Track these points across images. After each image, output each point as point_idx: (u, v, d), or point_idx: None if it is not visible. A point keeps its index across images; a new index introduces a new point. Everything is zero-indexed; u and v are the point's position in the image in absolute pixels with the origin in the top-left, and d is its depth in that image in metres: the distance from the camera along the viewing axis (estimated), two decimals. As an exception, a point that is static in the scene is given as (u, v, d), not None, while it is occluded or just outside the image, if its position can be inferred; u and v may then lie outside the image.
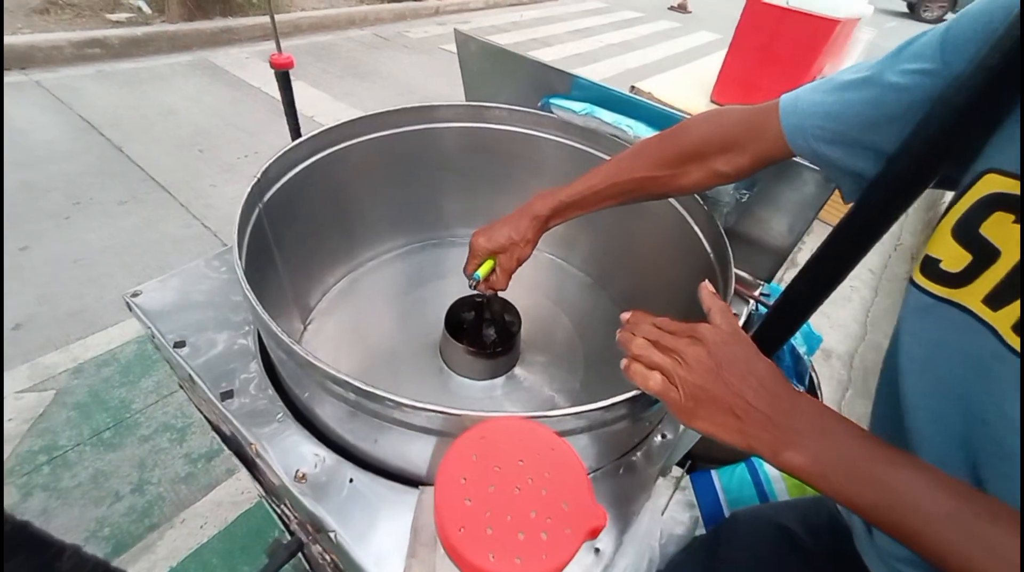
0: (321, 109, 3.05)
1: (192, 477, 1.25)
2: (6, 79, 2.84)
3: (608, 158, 0.69)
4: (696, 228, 0.59)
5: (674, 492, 0.45)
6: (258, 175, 0.51)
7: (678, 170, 0.55)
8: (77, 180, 2.19)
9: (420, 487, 0.42)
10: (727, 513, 0.66)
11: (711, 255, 0.56)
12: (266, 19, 4.23)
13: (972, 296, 0.35)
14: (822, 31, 1.42)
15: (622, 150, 0.68)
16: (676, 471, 0.53)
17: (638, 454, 0.48)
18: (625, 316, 0.43)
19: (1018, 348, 0.31)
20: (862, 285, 2.30)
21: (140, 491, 1.20)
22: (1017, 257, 0.32)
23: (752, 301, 0.70)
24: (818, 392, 0.98)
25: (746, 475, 0.67)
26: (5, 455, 1.21)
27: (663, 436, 0.49)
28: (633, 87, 1.75)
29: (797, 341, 0.94)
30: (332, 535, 0.39)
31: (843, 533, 0.53)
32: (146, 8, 3.96)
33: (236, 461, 1.34)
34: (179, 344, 0.50)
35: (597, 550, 0.40)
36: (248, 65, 3.66)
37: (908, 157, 0.34)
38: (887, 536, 0.46)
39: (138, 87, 3.10)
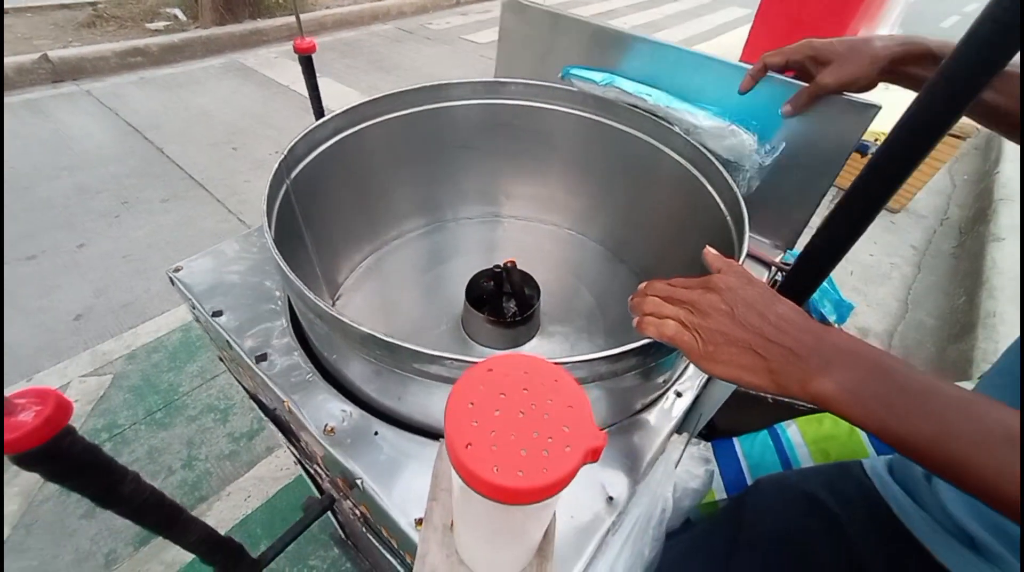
0: (348, 102, 3.12)
1: (235, 454, 1.33)
2: (63, 89, 3.02)
3: (624, 129, 0.69)
4: (713, 192, 0.59)
5: (686, 446, 0.46)
6: (284, 153, 0.54)
7: None
8: (124, 181, 2.32)
9: (440, 439, 0.44)
10: (749, 480, 0.66)
11: (728, 218, 0.56)
12: (290, 19, 4.32)
13: None
14: (854, -6, 1.36)
15: (641, 121, 0.68)
16: (696, 444, 0.53)
17: (653, 411, 0.49)
18: (641, 286, 0.43)
19: None
20: (903, 262, 2.20)
21: (190, 466, 1.28)
22: None
23: (773, 268, 0.69)
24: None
25: (768, 441, 0.66)
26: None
27: (677, 394, 0.50)
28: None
29: (827, 309, 0.93)
30: (359, 483, 0.42)
31: (874, 499, 0.51)
32: (181, 16, 4.12)
33: (275, 440, 1.41)
34: (217, 313, 0.54)
35: (611, 498, 0.41)
36: (276, 64, 3.76)
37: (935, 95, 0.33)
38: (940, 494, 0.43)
39: (176, 91, 3.24)
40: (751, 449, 0.66)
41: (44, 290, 1.70)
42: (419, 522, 0.40)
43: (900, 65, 0.54)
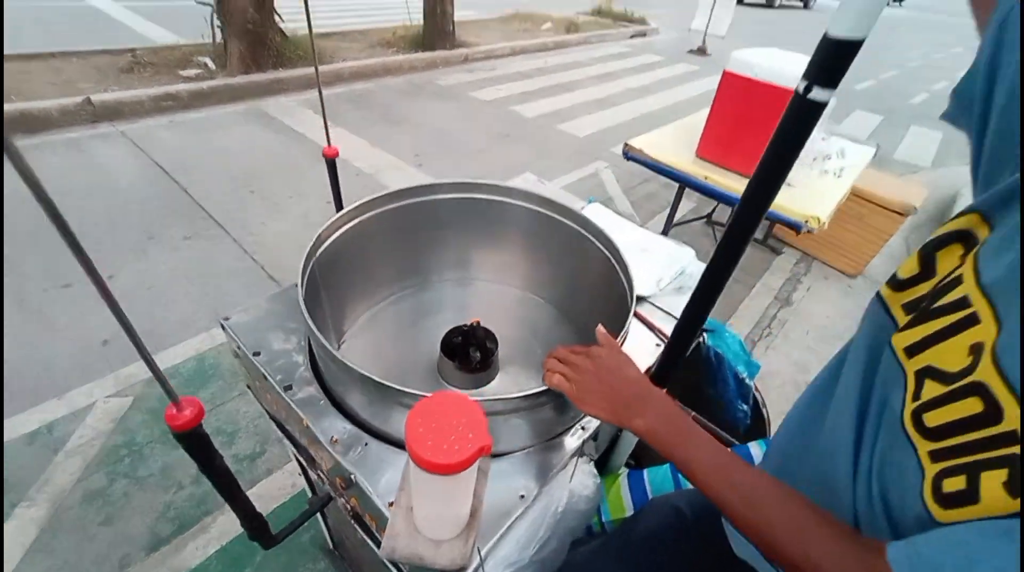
0: (360, 154, 3.40)
1: (239, 473, 1.49)
2: (101, 130, 3.31)
3: (564, 221, 0.92)
4: (623, 278, 0.80)
5: (576, 464, 0.65)
6: (313, 240, 0.75)
7: None
8: (151, 217, 2.55)
9: (410, 450, 0.63)
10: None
11: (629, 299, 0.77)
12: (310, 70, 4.69)
13: (901, 298, 0.43)
14: (785, 100, 1.63)
15: (575, 217, 0.91)
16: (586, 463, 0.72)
17: (564, 439, 0.68)
18: (552, 350, 0.65)
19: (896, 343, 0.41)
20: (856, 324, 2.40)
21: (198, 482, 1.44)
22: (937, 279, 0.40)
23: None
24: (763, 409, 1.16)
25: (668, 471, 0.85)
26: (96, 448, 1.48)
27: (582, 428, 0.69)
28: (626, 144, 1.99)
29: (740, 369, 1.13)
30: (352, 477, 0.61)
31: (716, 509, 0.71)
32: (211, 64, 4.48)
33: (274, 463, 1.57)
34: (256, 353, 0.74)
35: (522, 496, 0.61)
36: (294, 112, 4.07)
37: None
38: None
39: (202, 134, 3.53)
40: (655, 477, 0.85)
41: (77, 316, 1.90)
42: (391, 504, 0.58)
43: None
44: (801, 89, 0.47)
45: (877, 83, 7.09)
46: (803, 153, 1.72)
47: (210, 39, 4.55)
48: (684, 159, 1.91)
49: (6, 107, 3.04)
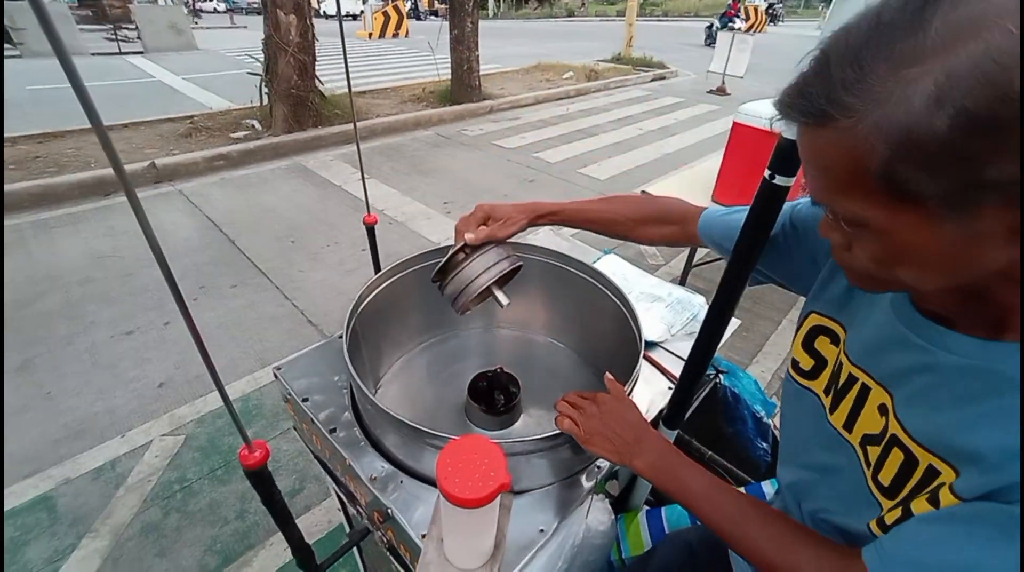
0: (392, 203, 3.62)
1: (279, 511, 1.57)
2: (162, 189, 3.64)
3: (578, 273, 1.00)
4: (633, 326, 0.88)
5: (592, 501, 0.71)
6: (355, 300, 0.86)
7: (644, 224, 0.79)
8: (203, 269, 2.77)
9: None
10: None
11: (638, 345, 0.84)
12: (346, 127, 5.04)
13: (818, 385, 0.57)
14: (794, 147, 1.71)
15: (587, 270, 0.99)
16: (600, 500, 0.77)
17: (582, 477, 0.74)
18: (564, 395, 0.72)
19: (835, 422, 0.53)
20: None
21: (241, 518, 1.53)
22: (831, 364, 0.55)
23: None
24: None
25: (683, 508, 0.88)
26: (152, 483, 1.60)
27: (598, 467, 0.75)
28: (644, 191, 2.08)
29: (757, 409, 1.16)
30: (389, 511, 0.68)
31: (723, 543, 0.75)
32: (258, 126, 4.89)
33: (312, 500, 1.65)
34: (305, 399, 0.84)
35: (542, 530, 0.67)
36: (331, 166, 4.36)
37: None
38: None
39: (248, 190, 3.83)
40: (671, 514, 0.88)
41: (138, 362, 2.07)
42: (423, 536, 0.66)
43: (536, 220, 0.81)
44: (768, 176, 0.56)
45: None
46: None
47: (258, 103, 5.00)
48: (700, 203, 1.98)
49: (90, 175, 3.42)
